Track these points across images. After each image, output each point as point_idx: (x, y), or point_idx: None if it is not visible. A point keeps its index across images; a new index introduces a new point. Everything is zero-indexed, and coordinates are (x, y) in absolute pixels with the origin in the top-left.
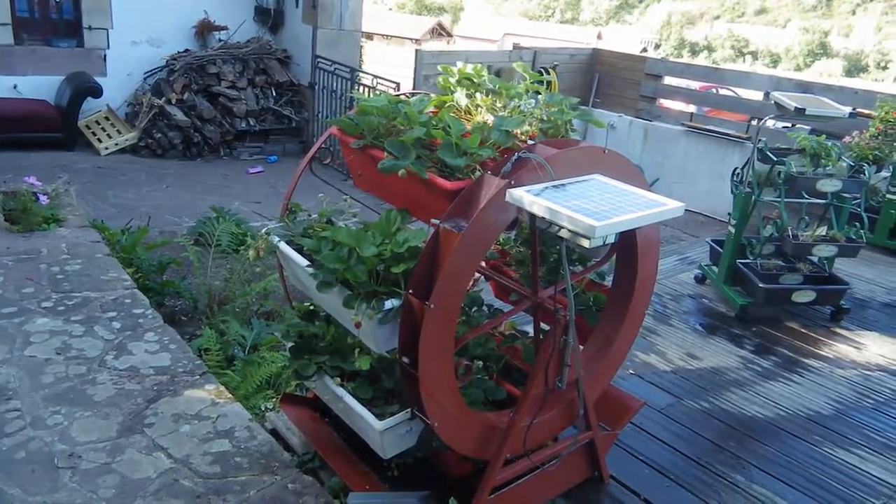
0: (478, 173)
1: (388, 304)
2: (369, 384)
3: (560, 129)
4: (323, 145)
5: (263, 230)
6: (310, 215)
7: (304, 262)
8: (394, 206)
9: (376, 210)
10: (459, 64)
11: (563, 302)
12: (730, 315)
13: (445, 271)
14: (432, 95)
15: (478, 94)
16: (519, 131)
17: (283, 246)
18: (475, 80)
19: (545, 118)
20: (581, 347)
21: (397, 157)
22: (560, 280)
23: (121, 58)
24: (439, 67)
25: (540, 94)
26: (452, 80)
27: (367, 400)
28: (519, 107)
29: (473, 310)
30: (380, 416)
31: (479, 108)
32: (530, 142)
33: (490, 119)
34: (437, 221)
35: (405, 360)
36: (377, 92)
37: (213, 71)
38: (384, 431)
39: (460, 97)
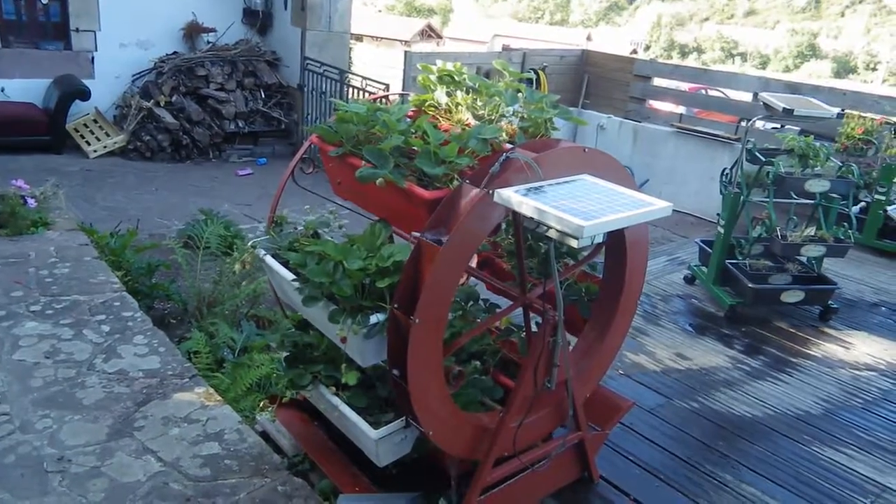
0: (456, 182)
1: (374, 318)
2: (364, 393)
3: (540, 128)
4: (305, 154)
5: (249, 243)
6: (296, 228)
7: (290, 275)
8: (373, 215)
9: (364, 215)
10: (440, 62)
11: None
12: (719, 315)
13: (428, 285)
14: (412, 95)
15: (458, 93)
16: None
17: (270, 260)
18: (455, 78)
19: (525, 116)
20: (575, 339)
21: (375, 166)
22: (548, 279)
23: (109, 60)
24: (419, 66)
25: (521, 91)
26: (433, 78)
27: (361, 408)
28: (498, 106)
29: (469, 304)
30: (375, 425)
31: (459, 107)
32: (508, 145)
33: (470, 118)
34: (417, 234)
35: (395, 372)
36: (367, 93)
37: (202, 73)
38: (379, 440)
39: (440, 95)
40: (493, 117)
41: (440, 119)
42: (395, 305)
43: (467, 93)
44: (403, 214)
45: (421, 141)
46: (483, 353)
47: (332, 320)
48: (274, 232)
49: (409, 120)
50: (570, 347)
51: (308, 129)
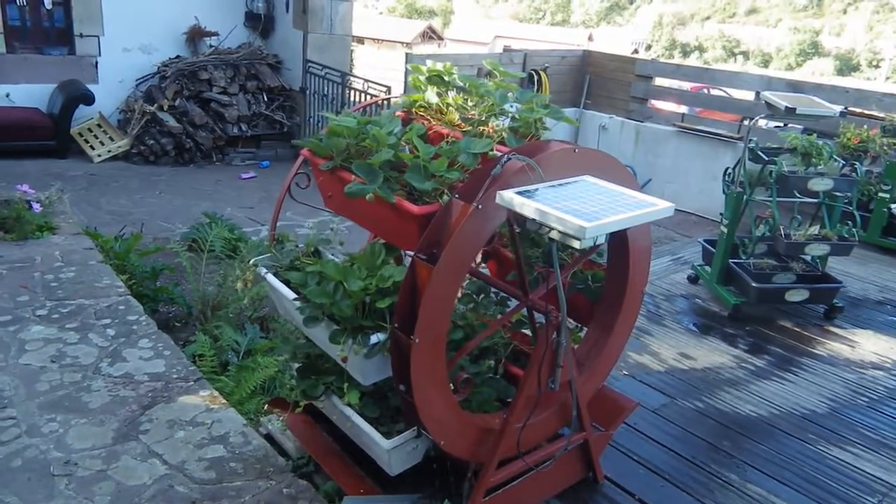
0: (446, 197)
1: (374, 338)
2: (375, 402)
3: (531, 128)
4: (300, 170)
5: (251, 262)
6: (297, 246)
7: (291, 294)
8: (364, 228)
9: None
10: (429, 62)
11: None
12: (723, 315)
13: (426, 304)
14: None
15: (449, 93)
16: (492, 127)
17: (271, 278)
18: (445, 78)
19: (517, 117)
20: (585, 329)
21: (365, 181)
22: (550, 278)
23: (112, 65)
24: (409, 66)
25: (511, 91)
26: (422, 79)
27: (373, 418)
28: (488, 107)
29: (481, 297)
30: (387, 435)
31: (450, 107)
32: (498, 152)
33: (459, 119)
34: (411, 253)
35: (401, 387)
36: (368, 95)
37: (205, 77)
38: (392, 450)
39: (431, 95)
40: (483, 118)
41: (431, 120)
42: (396, 325)
43: (458, 93)
44: (394, 229)
45: (411, 155)
46: (495, 346)
47: (333, 341)
48: (275, 249)
49: (401, 125)
50: (582, 333)
51: (299, 143)
